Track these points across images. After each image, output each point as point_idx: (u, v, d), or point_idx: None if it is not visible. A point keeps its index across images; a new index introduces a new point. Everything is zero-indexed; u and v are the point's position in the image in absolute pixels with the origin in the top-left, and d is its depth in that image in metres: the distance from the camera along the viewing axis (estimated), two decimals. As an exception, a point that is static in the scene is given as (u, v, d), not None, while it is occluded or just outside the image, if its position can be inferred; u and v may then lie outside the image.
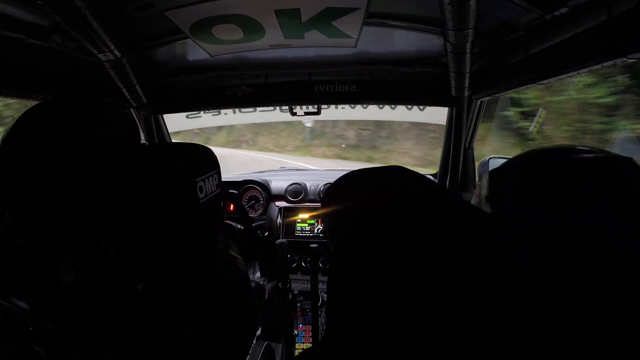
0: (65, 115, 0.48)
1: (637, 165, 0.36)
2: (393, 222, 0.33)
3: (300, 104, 1.38)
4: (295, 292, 1.65)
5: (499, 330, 0.24)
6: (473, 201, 0.45)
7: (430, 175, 1.71)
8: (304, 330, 1.63)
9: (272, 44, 1.11)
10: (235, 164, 7.50)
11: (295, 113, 1.45)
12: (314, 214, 1.66)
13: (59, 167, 0.42)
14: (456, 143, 1.36)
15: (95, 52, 0.91)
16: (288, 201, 1.71)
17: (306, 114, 1.43)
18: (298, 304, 1.67)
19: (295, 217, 1.68)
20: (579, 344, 0.22)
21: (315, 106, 1.39)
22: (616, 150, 1.14)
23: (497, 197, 0.40)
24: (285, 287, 1.48)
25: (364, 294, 0.33)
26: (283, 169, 2.30)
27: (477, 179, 1.51)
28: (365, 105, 1.68)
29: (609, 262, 0.30)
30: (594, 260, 0.29)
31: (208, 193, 0.50)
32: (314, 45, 1.11)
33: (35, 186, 0.41)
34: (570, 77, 0.79)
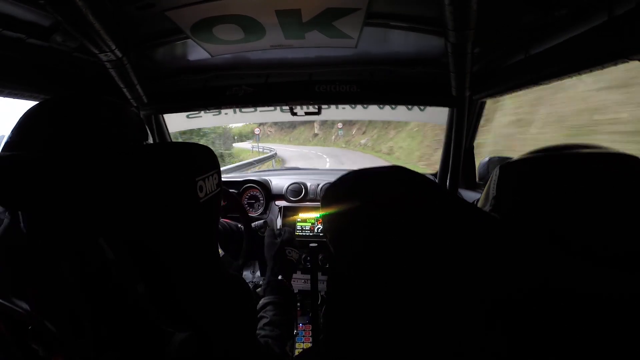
0: (75, 114, 0.48)
1: None
2: (393, 224, 0.33)
3: (301, 104, 1.38)
4: (295, 291, 1.64)
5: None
6: (482, 197, 0.44)
7: (431, 174, 1.71)
8: (304, 330, 1.63)
9: (272, 44, 1.11)
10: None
11: (296, 113, 1.45)
12: (314, 213, 1.66)
13: (61, 167, 0.42)
14: (457, 143, 1.36)
15: (96, 52, 0.91)
16: (288, 201, 1.71)
17: (307, 114, 1.43)
18: (298, 304, 1.66)
19: (295, 217, 1.67)
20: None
21: (316, 106, 1.39)
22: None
23: (504, 193, 0.39)
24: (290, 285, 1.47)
25: (364, 295, 0.33)
26: (284, 168, 2.29)
27: (477, 179, 1.51)
28: (365, 106, 1.68)
29: (608, 263, 0.29)
30: (594, 261, 0.29)
31: (208, 192, 0.50)
32: (314, 45, 1.11)
33: (35, 186, 0.41)
34: (571, 77, 0.79)
